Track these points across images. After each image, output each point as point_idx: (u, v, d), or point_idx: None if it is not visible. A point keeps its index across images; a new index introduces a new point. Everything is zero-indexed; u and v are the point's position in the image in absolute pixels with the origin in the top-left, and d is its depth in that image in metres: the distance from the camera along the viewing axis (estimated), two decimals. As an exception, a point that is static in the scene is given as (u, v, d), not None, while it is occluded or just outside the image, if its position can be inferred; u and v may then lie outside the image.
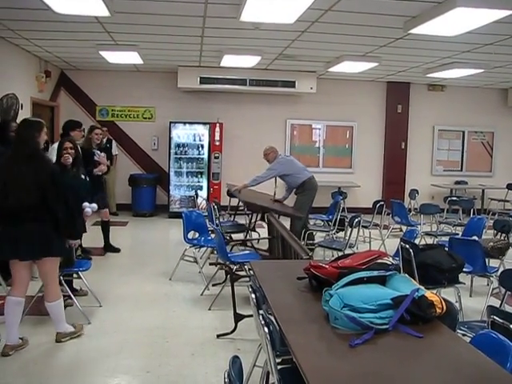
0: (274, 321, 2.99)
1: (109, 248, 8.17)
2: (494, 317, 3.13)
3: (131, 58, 9.78)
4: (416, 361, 2.45)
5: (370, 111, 13.04)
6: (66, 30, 7.77)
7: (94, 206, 6.18)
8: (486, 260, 6.03)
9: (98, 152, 7.66)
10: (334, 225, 8.72)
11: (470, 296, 6.44)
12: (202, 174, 12.07)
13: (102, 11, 6.24)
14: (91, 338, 4.91)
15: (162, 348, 4.69)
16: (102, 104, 12.34)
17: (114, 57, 9.70)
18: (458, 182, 13.41)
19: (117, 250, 8.20)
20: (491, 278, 5.75)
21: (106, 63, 10.30)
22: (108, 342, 4.84)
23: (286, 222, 7.62)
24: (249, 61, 9.94)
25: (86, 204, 5.90)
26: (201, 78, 11.48)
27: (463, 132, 13.63)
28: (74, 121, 7.79)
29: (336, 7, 6.23)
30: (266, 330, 2.79)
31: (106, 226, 8.15)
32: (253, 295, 3.22)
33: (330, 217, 9.21)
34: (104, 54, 9.37)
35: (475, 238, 6.64)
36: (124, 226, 10.66)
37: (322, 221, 9.48)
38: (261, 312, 2.99)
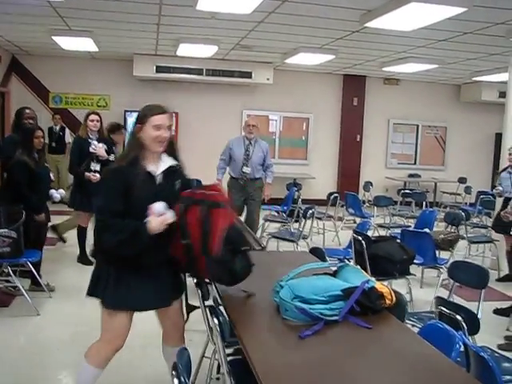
0: (224, 312, 2.98)
1: (84, 258, 6.89)
2: (442, 307, 3.19)
3: (86, 44, 9.55)
4: (364, 351, 2.48)
5: (326, 103, 13.11)
6: (17, 12, 7.52)
7: (62, 191, 6.09)
8: (437, 252, 6.16)
9: (95, 143, 6.53)
10: (289, 216, 8.76)
11: (421, 287, 6.56)
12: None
13: (55, -5, 6.10)
14: (41, 330, 4.81)
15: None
16: (56, 91, 12.06)
17: (67, 43, 9.45)
18: (411, 175, 13.64)
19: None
20: (441, 270, 5.86)
21: (59, 49, 10.05)
22: (58, 334, 4.74)
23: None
24: (205, 50, 9.86)
25: (52, 191, 5.87)
26: (157, 66, 11.34)
27: (417, 126, 13.86)
28: (115, 123, 7.51)
29: (293, -2, 6.23)
30: (216, 321, 2.78)
31: (82, 232, 6.88)
32: (199, 286, 3.21)
33: (285, 208, 9.24)
34: (57, 39, 9.12)
35: (427, 230, 6.76)
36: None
37: (277, 212, 9.51)
38: (209, 303, 2.97)
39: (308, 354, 2.39)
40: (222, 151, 7.67)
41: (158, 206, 2.91)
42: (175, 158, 3.20)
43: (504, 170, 6.93)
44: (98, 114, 6.79)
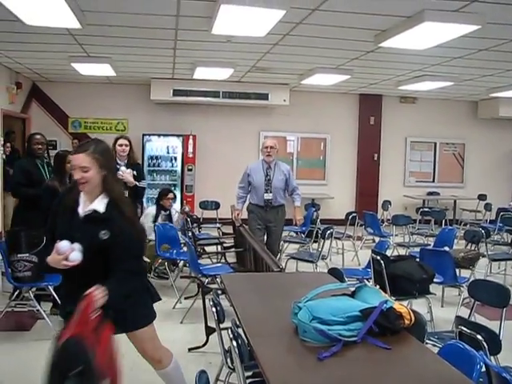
0: (242, 334, 2.97)
1: None
2: (462, 327, 3.16)
3: (104, 70, 9.71)
4: (383, 373, 2.46)
5: (343, 123, 13.12)
6: (37, 41, 7.69)
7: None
8: (458, 270, 6.10)
9: (124, 168, 6.17)
10: (308, 236, 8.75)
11: (442, 306, 6.49)
12: (175, 186, 12.00)
13: (73, 23, 6.20)
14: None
15: (133, 362, 4.61)
16: (75, 116, 12.24)
17: (86, 69, 9.62)
18: (430, 193, 13.55)
19: None
20: (461, 288, 5.80)
21: (78, 75, 10.21)
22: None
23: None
24: (222, 73, 9.95)
25: None
26: (174, 90, 11.45)
27: (435, 143, 13.80)
28: (165, 189, 7.94)
29: (307, 20, 6.28)
30: (235, 343, 2.78)
31: None
32: (214, 309, 3.21)
33: (304, 228, 9.23)
34: (76, 66, 9.29)
35: (446, 248, 6.70)
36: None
37: (296, 232, 9.49)
38: (225, 326, 2.97)
39: (327, 376, 2.38)
40: (241, 178, 7.28)
41: (61, 245, 2.87)
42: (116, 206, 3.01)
43: None
44: (127, 138, 6.44)
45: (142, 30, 6.99)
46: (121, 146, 6.27)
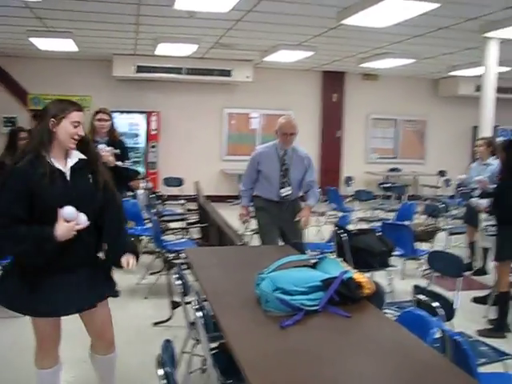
0: (206, 306, 3.03)
1: None
2: (419, 295, 3.28)
3: (65, 45, 9.53)
4: (343, 338, 2.55)
5: (305, 100, 13.19)
6: (-7, 14, 7.52)
7: None
8: (418, 243, 6.26)
9: (104, 146, 5.36)
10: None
11: (403, 279, 6.65)
12: (138, 163, 11.93)
13: (31, -4, 6.10)
14: (26, 330, 4.81)
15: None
16: (35, 92, 11.96)
17: (46, 44, 9.42)
18: (392, 170, 13.77)
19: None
20: (421, 261, 5.96)
21: (37, 50, 10.01)
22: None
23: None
24: (185, 49, 9.89)
25: None
26: (137, 66, 11.34)
27: (395, 120, 14.00)
28: (134, 172, 6.61)
29: (270, -4, 6.31)
30: (200, 314, 2.83)
31: None
32: (178, 281, 3.26)
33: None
34: (34, 40, 9.09)
35: (406, 222, 6.86)
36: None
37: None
38: (191, 298, 3.02)
39: (289, 343, 2.46)
40: (246, 169, 5.77)
41: (67, 211, 2.69)
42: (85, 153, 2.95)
43: (474, 161, 7.07)
44: (107, 112, 5.69)
45: (103, 3, 6.90)
46: (100, 120, 5.57)
